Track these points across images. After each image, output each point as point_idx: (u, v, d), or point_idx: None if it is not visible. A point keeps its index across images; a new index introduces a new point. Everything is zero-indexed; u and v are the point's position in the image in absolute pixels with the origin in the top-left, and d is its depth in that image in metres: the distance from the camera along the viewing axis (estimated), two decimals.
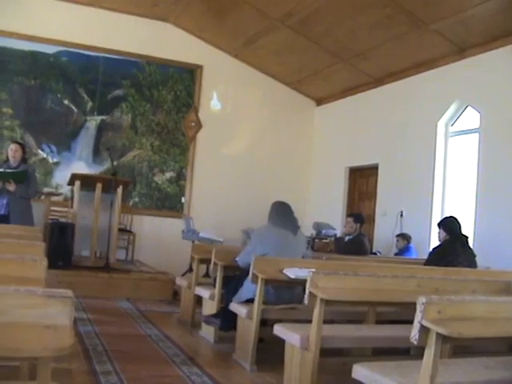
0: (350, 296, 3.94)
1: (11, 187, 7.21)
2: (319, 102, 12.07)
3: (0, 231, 5.29)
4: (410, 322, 2.78)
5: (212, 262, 5.84)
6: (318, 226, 9.40)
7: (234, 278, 5.65)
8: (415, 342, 2.73)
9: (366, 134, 10.43)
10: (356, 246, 7.83)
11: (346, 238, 8.20)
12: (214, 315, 5.58)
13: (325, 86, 11.34)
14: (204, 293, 6.06)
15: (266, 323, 4.98)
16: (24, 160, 7.67)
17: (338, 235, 9.24)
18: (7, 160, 7.56)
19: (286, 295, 5.13)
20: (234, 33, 10.59)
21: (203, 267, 7.37)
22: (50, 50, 10.45)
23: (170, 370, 4.56)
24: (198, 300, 6.39)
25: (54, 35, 10.29)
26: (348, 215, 8.94)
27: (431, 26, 8.07)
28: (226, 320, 5.31)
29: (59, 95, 10.52)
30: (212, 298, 5.83)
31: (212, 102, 11.43)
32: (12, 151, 7.46)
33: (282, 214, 5.51)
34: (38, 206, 8.78)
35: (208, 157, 11.22)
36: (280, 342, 4.20)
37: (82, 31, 10.46)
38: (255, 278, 4.78)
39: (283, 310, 4.99)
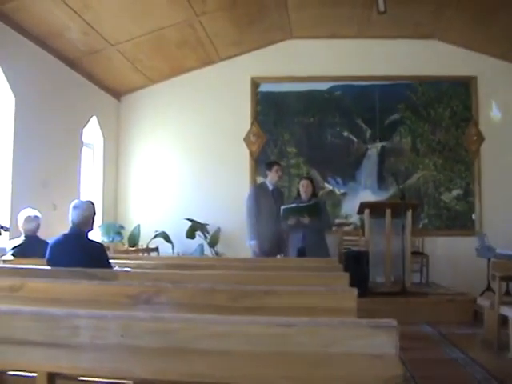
0: None
1: (306, 220, 7.63)
2: None
3: (303, 264, 5.64)
4: None
5: None
6: None
7: None
8: None
9: None
10: None
11: None
12: None
13: None
14: (510, 312, 5.79)
15: None
16: (314, 194, 8.07)
17: None
18: (298, 196, 8.01)
19: None
20: (504, 36, 9.97)
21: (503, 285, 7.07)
22: (324, 86, 10.99)
23: None
24: (503, 320, 6.11)
25: (326, 72, 10.80)
26: None
27: None
28: None
29: (338, 128, 10.94)
30: None
31: (492, 113, 10.95)
32: (304, 187, 7.90)
33: None
34: (332, 237, 9.16)
35: (495, 169, 10.69)
36: None
37: (351, 63, 10.82)
38: None
39: None
